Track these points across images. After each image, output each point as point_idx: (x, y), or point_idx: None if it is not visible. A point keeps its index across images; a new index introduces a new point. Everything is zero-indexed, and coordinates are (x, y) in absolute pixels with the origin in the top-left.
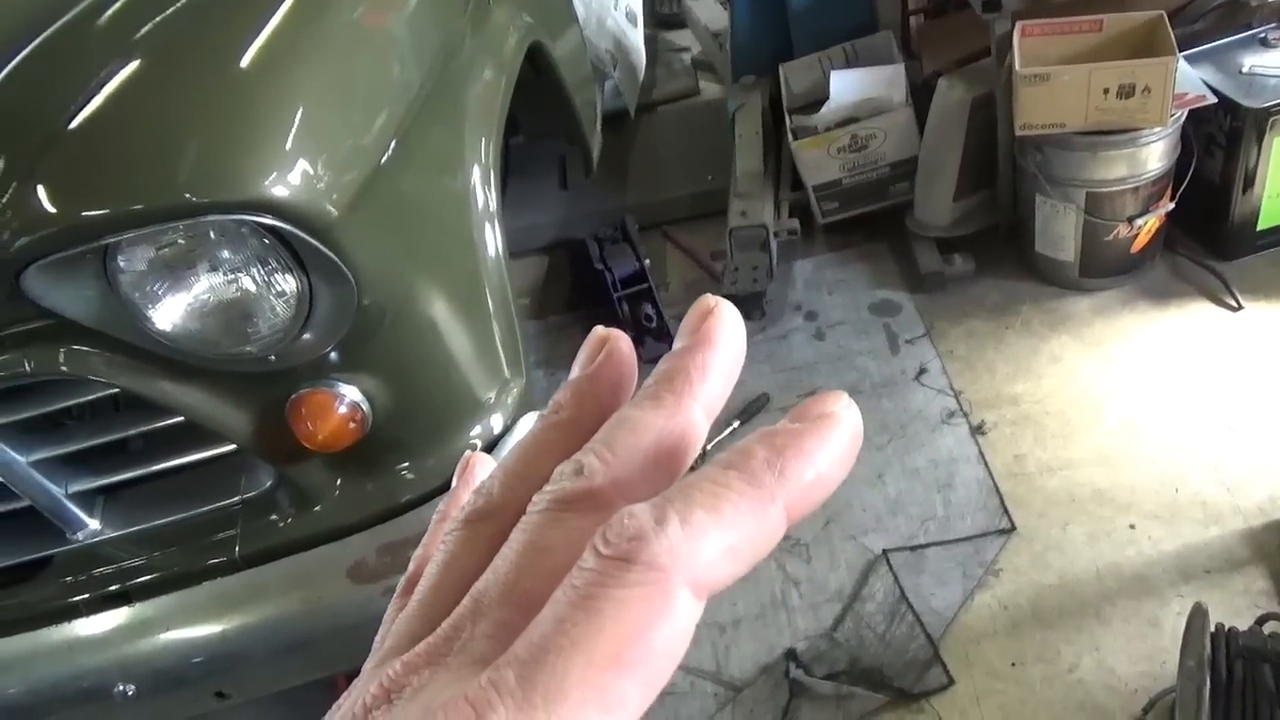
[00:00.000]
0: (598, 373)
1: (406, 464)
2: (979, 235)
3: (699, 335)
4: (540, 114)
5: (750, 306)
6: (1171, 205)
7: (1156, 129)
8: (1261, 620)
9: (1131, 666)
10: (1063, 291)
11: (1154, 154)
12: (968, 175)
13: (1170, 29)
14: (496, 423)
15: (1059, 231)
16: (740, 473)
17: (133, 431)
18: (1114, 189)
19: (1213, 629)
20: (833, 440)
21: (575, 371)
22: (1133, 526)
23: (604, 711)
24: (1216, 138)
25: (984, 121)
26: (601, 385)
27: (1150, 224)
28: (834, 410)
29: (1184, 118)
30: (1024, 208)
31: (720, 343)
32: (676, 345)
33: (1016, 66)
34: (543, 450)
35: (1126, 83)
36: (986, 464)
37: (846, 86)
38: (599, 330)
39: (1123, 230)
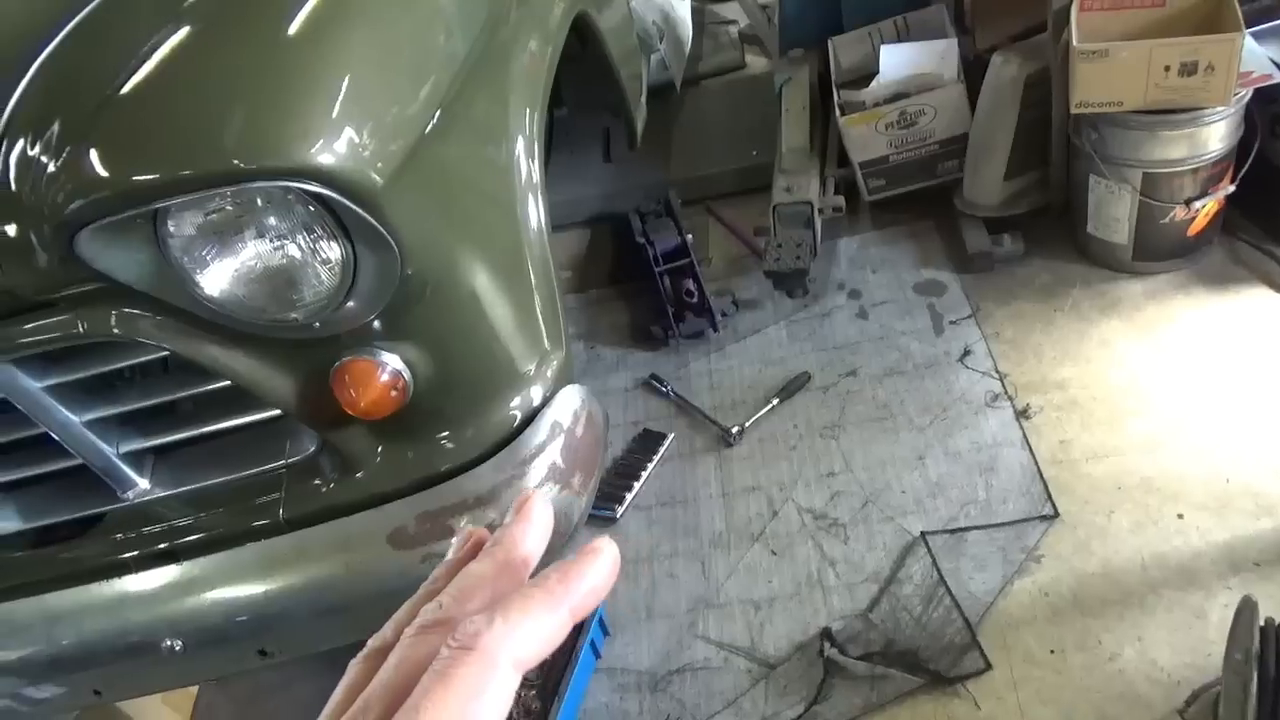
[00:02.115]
0: (461, 559)
1: (446, 433)
2: (1029, 216)
3: (519, 514)
4: (585, 86)
5: (793, 284)
6: (1232, 188)
7: (1219, 109)
8: None
9: (1175, 658)
10: (1114, 275)
11: (1215, 134)
12: (1019, 154)
13: (1237, 4)
14: (536, 394)
15: (1113, 213)
16: (541, 589)
17: (181, 394)
18: (1172, 170)
19: (1262, 622)
20: (599, 565)
21: (449, 555)
22: (1181, 516)
23: None
24: None
25: (1038, 99)
26: (461, 565)
27: (1209, 207)
28: (600, 547)
29: (1248, 97)
30: (1076, 188)
31: (533, 518)
32: (506, 521)
33: (1074, 42)
34: (420, 603)
35: (1189, 60)
36: (1030, 449)
37: (897, 61)
38: (467, 530)
39: (1179, 213)
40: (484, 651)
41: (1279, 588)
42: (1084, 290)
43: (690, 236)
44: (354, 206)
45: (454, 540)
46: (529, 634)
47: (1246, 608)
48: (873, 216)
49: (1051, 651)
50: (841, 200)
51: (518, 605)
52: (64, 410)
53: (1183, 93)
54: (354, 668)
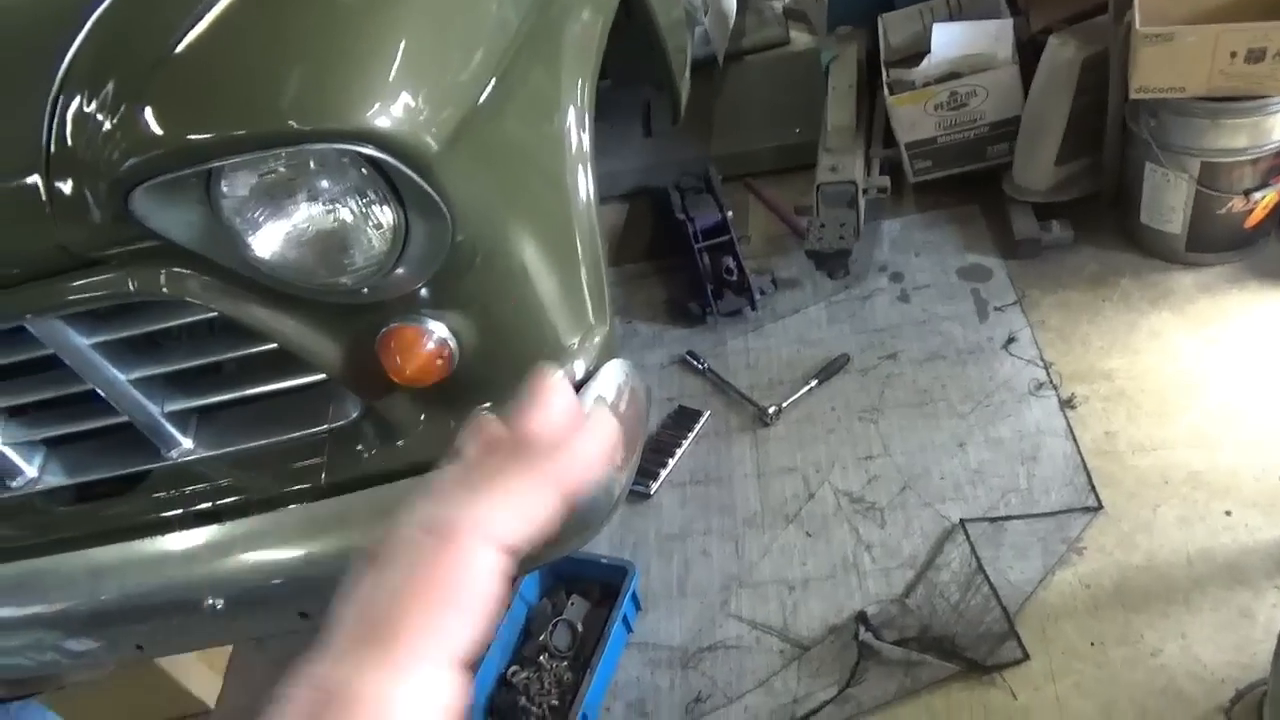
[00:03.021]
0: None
1: (489, 404)
2: (1080, 203)
3: (534, 396)
4: (630, 58)
5: (835, 265)
6: None
7: None
8: None
9: (1219, 656)
10: (1167, 265)
11: (1279, 124)
12: (1072, 139)
13: None
14: (579, 368)
15: (1168, 202)
16: (522, 468)
17: (227, 356)
18: (1232, 159)
19: None
20: (589, 439)
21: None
22: (1229, 513)
23: (433, 638)
24: None
25: (1094, 83)
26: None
27: (1268, 198)
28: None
29: None
30: (1131, 176)
31: (547, 400)
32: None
33: (1136, 24)
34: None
35: (1257, 46)
36: (1075, 439)
37: (949, 40)
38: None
39: (1237, 204)
40: (455, 538)
41: None
42: (1134, 280)
43: (730, 213)
44: (408, 171)
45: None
46: (511, 515)
47: None
48: (917, 199)
49: (1092, 644)
50: (887, 181)
51: (498, 487)
52: (111, 368)
53: (1248, 80)
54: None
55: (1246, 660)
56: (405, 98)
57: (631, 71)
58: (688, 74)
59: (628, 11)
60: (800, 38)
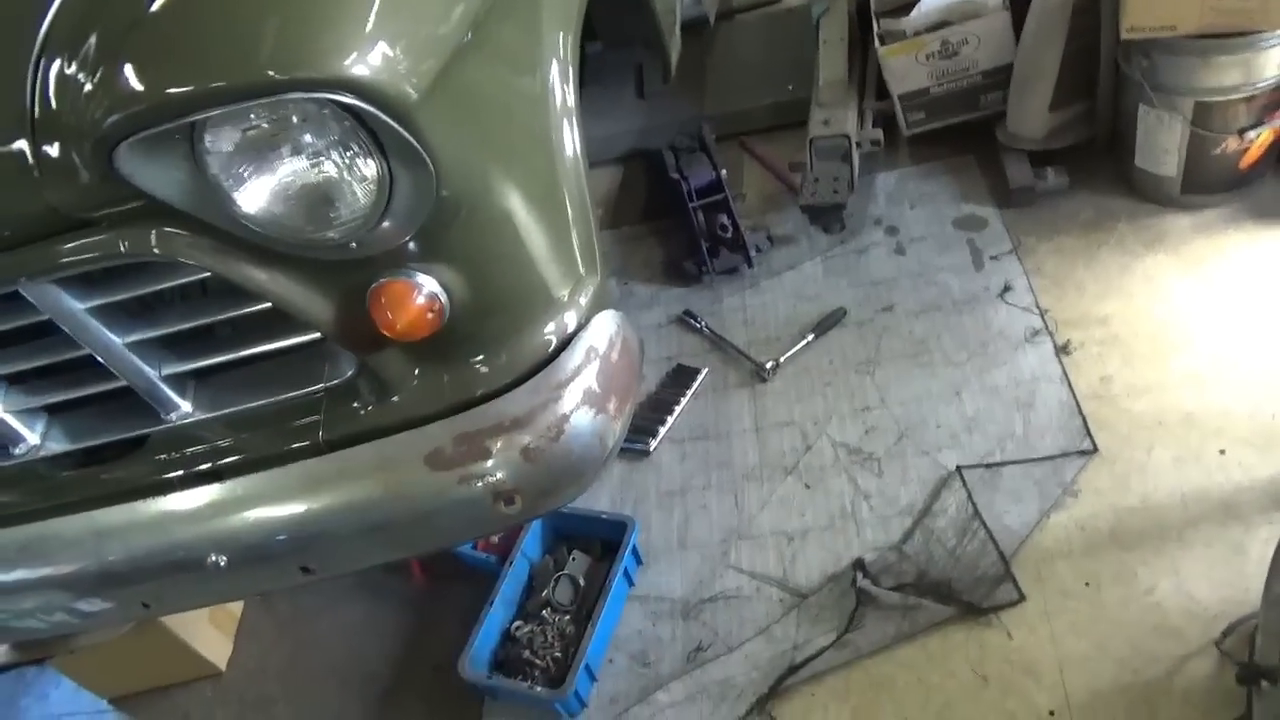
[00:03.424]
0: None
1: (482, 357)
2: (1074, 149)
3: None
4: (618, 18)
5: (830, 219)
6: None
7: (1277, 32)
8: None
9: (1212, 592)
10: (1162, 209)
11: (1272, 60)
12: (1065, 84)
13: None
14: (571, 319)
15: (1162, 144)
16: None
17: (221, 316)
18: (1225, 98)
19: None
20: None
21: None
22: (1223, 452)
23: None
24: None
25: (1086, 26)
26: None
27: (1263, 137)
28: None
29: None
30: (1125, 119)
31: None
32: None
33: None
34: None
35: None
36: (1070, 384)
37: None
38: None
39: (1232, 144)
40: None
41: None
42: (1129, 225)
43: (724, 172)
44: (389, 120)
45: None
46: None
47: None
48: (911, 151)
49: (1086, 584)
50: (880, 134)
51: None
52: (107, 332)
53: (1240, 15)
54: None
55: (1239, 595)
56: (383, 47)
57: (621, 32)
58: (678, 33)
59: None
60: None
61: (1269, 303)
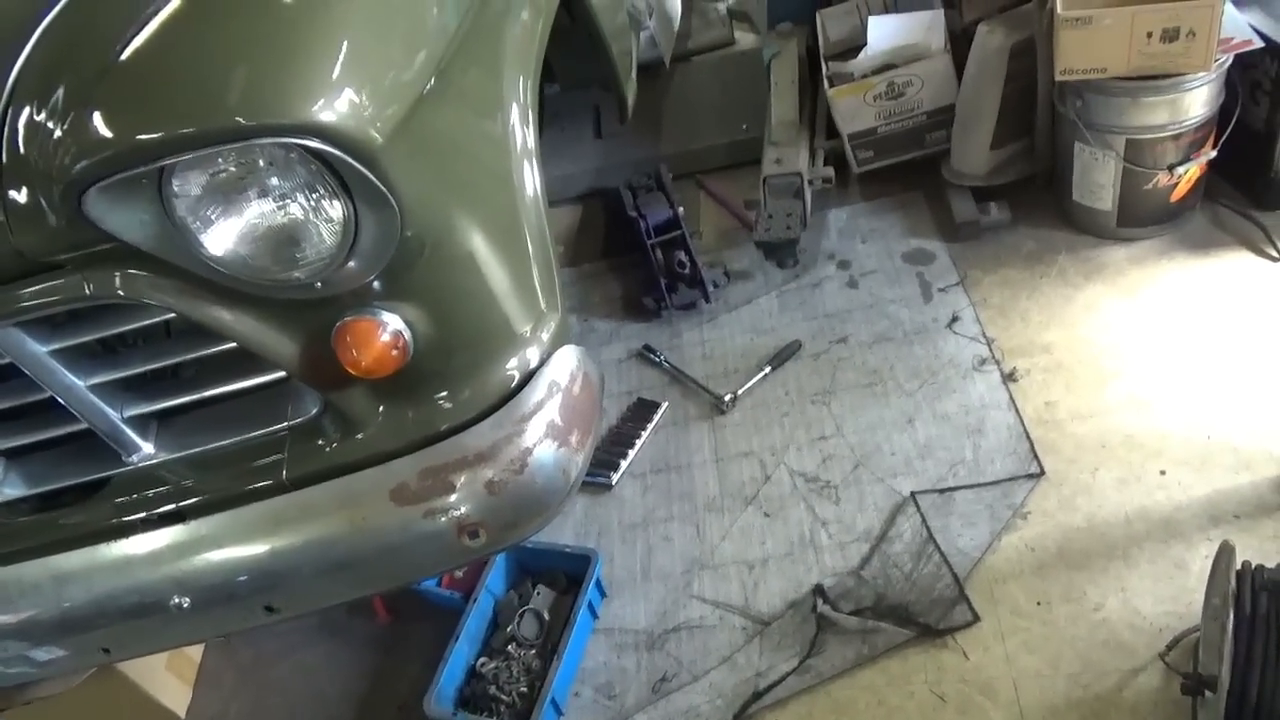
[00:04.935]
0: None
1: (446, 393)
2: (1016, 184)
3: None
4: (576, 62)
5: (783, 254)
6: (1213, 153)
7: (1200, 74)
8: None
9: (1157, 606)
10: (1099, 241)
11: (1197, 100)
12: (1006, 123)
13: None
14: (533, 355)
15: (1097, 180)
16: None
17: (186, 357)
18: (1155, 136)
19: (1238, 566)
20: None
21: None
22: (1163, 472)
23: None
24: (1262, 84)
25: (1023, 68)
26: None
27: (1191, 172)
28: None
29: (1229, 63)
30: (1062, 156)
31: None
32: None
33: (1058, 9)
34: None
35: (1170, 26)
36: (1017, 410)
37: (884, 33)
38: None
39: (1163, 179)
40: None
41: (1258, 539)
42: (1069, 256)
43: (681, 209)
44: (355, 163)
45: None
46: None
47: (1224, 553)
48: (861, 188)
49: (1038, 603)
50: (830, 171)
51: None
52: (69, 374)
53: (1165, 59)
54: None
55: (1182, 609)
56: (349, 93)
57: (579, 75)
58: (634, 75)
59: (570, 15)
60: (745, 37)
61: (1201, 330)
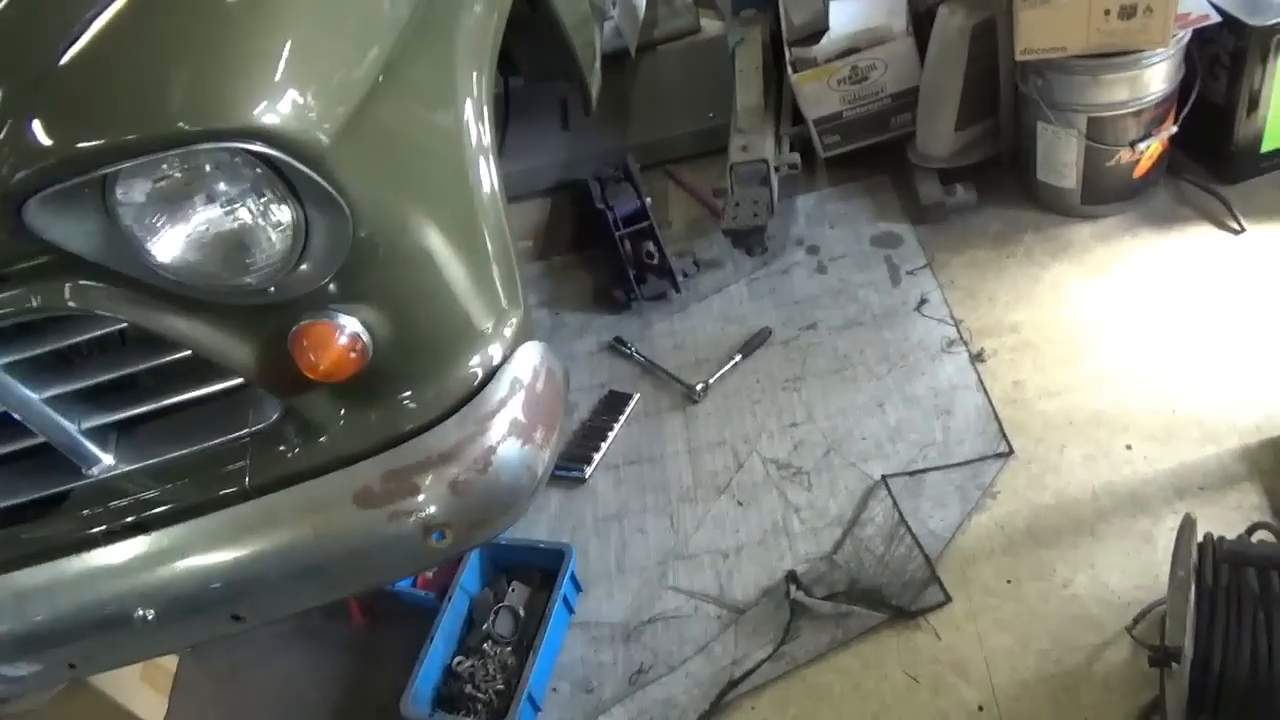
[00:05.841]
0: None
1: (408, 393)
2: (981, 165)
3: None
4: (539, 55)
5: (752, 241)
6: (1174, 129)
7: (1159, 50)
8: (1251, 530)
9: (1125, 580)
10: (1065, 219)
11: (1156, 76)
12: (969, 104)
13: None
14: (495, 352)
15: (1061, 158)
16: None
17: (141, 367)
18: (1116, 113)
19: (1200, 539)
20: None
21: None
22: (1129, 447)
23: None
24: (1220, 59)
25: (985, 49)
26: None
27: (1153, 148)
28: None
29: (1187, 38)
30: (1026, 136)
31: None
32: None
33: None
34: None
35: (1128, 3)
36: (986, 390)
37: (846, 17)
38: None
39: (1125, 155)
40: None
41: (1223, 510)
42: (1035, 236)
43: (649, 200)
44: (301, 166)
45: None
46: None
47: (1187, 526)
48: (829, 173)
49: (1008, 582)
50: (797, 157)
51: None
52: (23, 388)
53: (1123, 35)
54: None
55: (1149, 583)
56: (293, 94)
57: (542, 67)
58: (598, 67)
59: (532, 6)
60: (711, 25)
61: (1166, 305)
